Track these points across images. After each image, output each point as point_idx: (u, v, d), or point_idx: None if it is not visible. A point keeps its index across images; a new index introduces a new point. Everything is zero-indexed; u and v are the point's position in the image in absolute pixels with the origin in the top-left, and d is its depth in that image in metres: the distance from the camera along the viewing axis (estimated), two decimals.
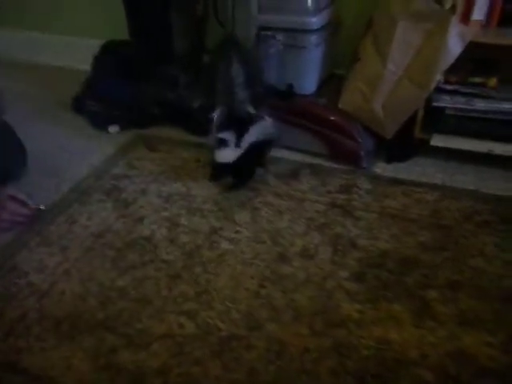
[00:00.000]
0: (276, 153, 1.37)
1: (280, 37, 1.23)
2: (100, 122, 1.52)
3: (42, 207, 1.14)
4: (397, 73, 1.20)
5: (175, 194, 1.23)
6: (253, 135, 1.18)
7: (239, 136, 1.16)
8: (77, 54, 1.79)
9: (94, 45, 1.64)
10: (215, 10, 1.36)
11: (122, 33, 1.65)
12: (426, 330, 0.86)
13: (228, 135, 1.16)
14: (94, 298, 0.94)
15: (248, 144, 1.17)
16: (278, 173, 1.29)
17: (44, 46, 1.92)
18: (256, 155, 1.23)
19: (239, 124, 1.17)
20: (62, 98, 1.66)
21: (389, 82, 1.21)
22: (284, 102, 1.34)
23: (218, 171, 1.24)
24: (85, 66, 1.65)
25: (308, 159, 1.35)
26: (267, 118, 1.19)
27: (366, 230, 1.09)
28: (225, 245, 1.07)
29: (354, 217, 1.13)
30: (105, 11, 1.80)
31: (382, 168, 1.29)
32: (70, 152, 1.40)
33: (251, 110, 1.17)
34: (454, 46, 1.14)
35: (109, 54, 1.64)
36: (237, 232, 1.10)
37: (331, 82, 1.43)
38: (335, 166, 1.32)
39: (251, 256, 1.03)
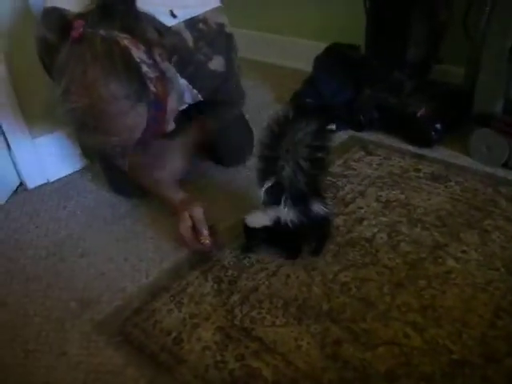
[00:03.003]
0: (507, 174, 1.25)
1: None
2: None
3: (206, 242, 1.05)
4: None
5: (394, 200, 1.20)
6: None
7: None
8: (300, 54, 1.89)
9: (315, 47, 1.73)
10: (465, 18, 1.29)
11: (344, 37, 1.71)
12: None
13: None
14: (317, 288, 0.97)
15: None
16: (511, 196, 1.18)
17: (271, 46, 2.08)
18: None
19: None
20: (281, 93, 1.77)
21: None
22: None
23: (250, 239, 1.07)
24: (305, 66, 1.75)
25: None
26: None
27: None
28: (451, 262, 1.01)
29: None
30: (331, 16, 1.86)
31: None
32: None
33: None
34: None
35: (332, 55, 1.69)
36: (464, 252, 1.03)
37: None
38: None
39: (483, 281, 0.95)
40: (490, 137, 1.26)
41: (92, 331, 0.92)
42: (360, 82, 1.53)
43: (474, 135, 1.31)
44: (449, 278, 0.97)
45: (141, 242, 1.15)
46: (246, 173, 1.37)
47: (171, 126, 0.94)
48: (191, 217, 1.07)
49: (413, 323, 0.88)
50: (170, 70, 0.90)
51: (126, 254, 1.11)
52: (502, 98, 1.24)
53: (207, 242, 1.05)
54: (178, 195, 1.14)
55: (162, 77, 0.86)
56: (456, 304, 0.91)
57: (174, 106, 0.91)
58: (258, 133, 1.51)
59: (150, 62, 0.84)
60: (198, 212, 1.07)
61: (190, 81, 1.06)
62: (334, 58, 1.66)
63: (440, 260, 1.01)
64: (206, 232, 1.06)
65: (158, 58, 0.86)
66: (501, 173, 1.27)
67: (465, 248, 1.04)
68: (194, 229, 1.06)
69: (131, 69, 0.81)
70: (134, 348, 0.88)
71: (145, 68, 0.82)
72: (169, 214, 1.18)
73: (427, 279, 0.97)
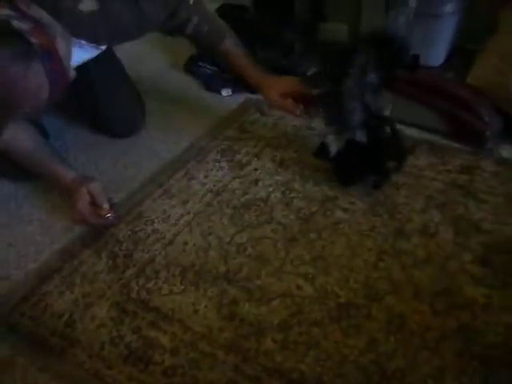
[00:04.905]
0: None
1: (413, 3, 1.17)
2: (213, 85, 1.55)
3: (109, 216, 1.04)
4: None
5: (288, 159, 1.23)
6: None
7: None
8: None
9: (208, 8, 1.68)
10: None
11: None
12: None
13: None
14: (214, 251, 0.98)
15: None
16: None
17: None
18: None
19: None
20: (176, 59, 1.71)
21: None
22: (405, 74, 1.27)
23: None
24: None
25: (425, 135, 1.28)
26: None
27: (491, 213, 1.03)
28: (339, 214, 1.06)
29: (478, 199, 1.07)
30: None
31: (509, 151, 1.20)
32: (185, 111, 1.45)
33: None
34: None
35: (223, 17, 1.65)
36: (351, 203, 1.09)
37: (460, 56, 1.34)
38: (455, 145, 1.25)
39: (367, 228, 1.02)
40: None
41: None
42: (251, 43, 1.52)
43: None
44: (337, 228, 1.02)
45: (27, 225, 1.07)
46: (141, 143, 1.32)
47: (73, 74, 0.88)
48: (89, 192, 1.03)
49: (304, 274, 0.92)
50: (42, 12, 0.82)
51: (10, 240, 1.03)
52: None
53: (109, 215, 1.04)
54: (69, 173, 1.08)
55: (38, 24, 0.79)
56: (344, 252, 0.97)
57: (64, 49, 0.83)
58: (155, 102, 1.48)
59: (19, 14, 0.76)
60: (96, 186, 1.05)
61: (74, 32, 0.95)
62: (225, 20, 1.63)
63: (329, 212, 1.06)
64: (107, 206, 1.04)
65: (23, 7, 0.79)
66: None
67: (352, 199, 1.10)
68: (94, 204, 1.04)
69: (3, 29, 0.74)
70: (22, 337, 0.83)
71: (16, 23, 0.75)
72: (57, 194, 1.12)
73: (318, 232, 1.01)
